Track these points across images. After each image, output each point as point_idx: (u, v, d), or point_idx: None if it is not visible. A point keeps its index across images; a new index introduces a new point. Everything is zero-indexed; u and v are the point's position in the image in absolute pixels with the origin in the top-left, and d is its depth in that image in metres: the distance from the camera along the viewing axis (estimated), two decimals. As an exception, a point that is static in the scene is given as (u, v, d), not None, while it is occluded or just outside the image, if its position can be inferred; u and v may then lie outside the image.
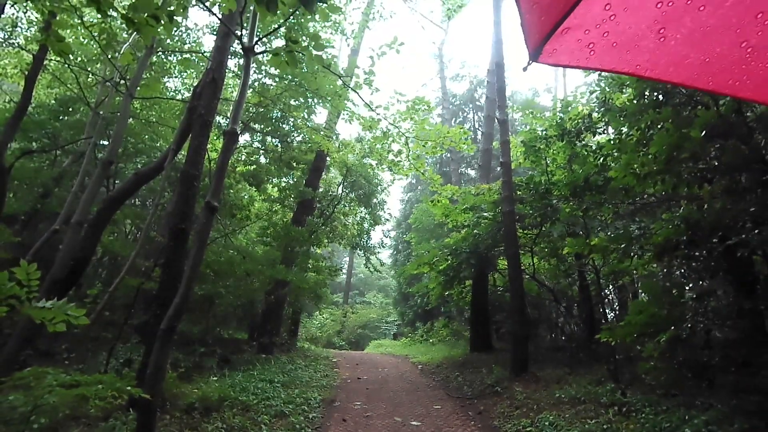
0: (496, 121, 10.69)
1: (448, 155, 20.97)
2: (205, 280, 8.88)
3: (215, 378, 6.81)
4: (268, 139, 13.70)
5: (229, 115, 12.98)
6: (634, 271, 7.37)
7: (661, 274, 5.21)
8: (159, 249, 9.94)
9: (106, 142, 12.33)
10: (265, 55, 10.35)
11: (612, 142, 6.20)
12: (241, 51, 7.53)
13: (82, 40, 11.75)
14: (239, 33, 6.45)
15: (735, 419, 3.47)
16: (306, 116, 12.39)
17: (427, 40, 54.39)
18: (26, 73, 10.17)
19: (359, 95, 7.18)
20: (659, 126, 4.58)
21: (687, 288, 4.72)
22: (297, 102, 11.96)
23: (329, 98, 9.17)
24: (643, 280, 7.87)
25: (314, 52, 4.30)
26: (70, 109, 13.45)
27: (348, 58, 12.95)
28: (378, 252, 19.29)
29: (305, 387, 7.40)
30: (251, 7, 4.75)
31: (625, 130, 5.66)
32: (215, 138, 12.45)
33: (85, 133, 11.52)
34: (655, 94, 4.87)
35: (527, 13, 0.58)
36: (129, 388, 3.55)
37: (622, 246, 4.20)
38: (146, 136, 13.58)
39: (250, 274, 10.33)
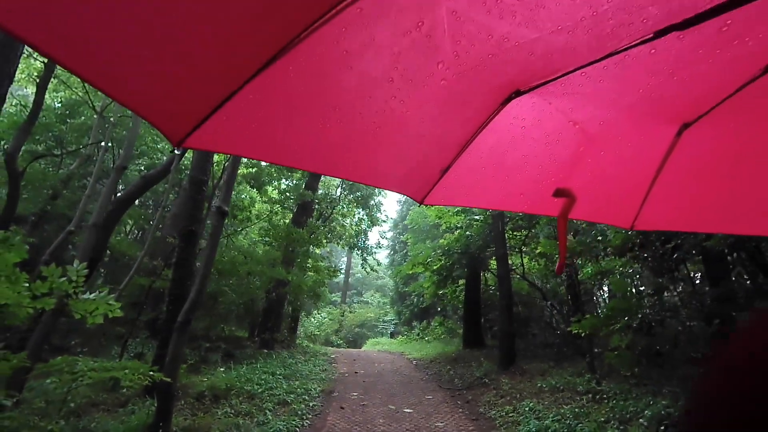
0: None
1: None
2: (210, 279, 9.33)
3: (222, 369, 7.26)
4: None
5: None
6: (622, 269, 7.89)
7: (618, 273, 5.69)
8: (164, 249, 10.34)
9: (106, 144, 12.70)
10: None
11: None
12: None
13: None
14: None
15: (681, 400, 3.96)
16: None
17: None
18: (36, 79, 10.58)
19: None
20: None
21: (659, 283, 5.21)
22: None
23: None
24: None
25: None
26: (73, 112, 13.82)
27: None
28: (375, 252, 19.77)
29: (305, 379, 7.85)
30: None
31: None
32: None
33: (91, 136, 11.92)
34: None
35: (409, 195, 1.07)
36: (152, 372, 4.00)
37: (592, 247, 4.68)
38: (149, 138, 14.03)
39: (251, 274, 10.79)
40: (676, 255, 3.59)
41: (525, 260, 10.64)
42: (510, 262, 9.98)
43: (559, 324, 10.53)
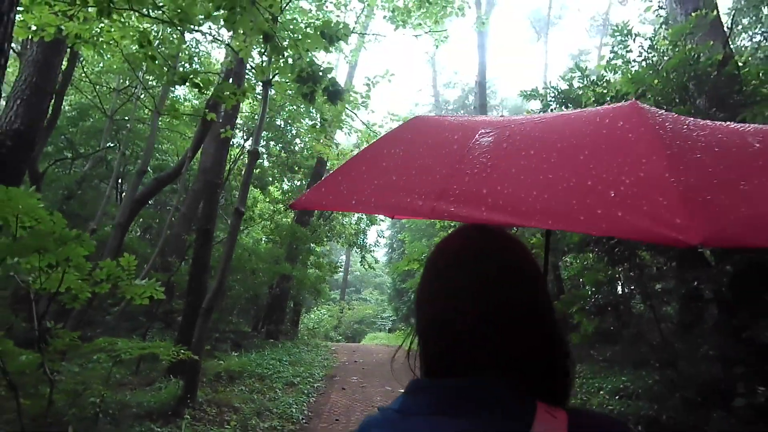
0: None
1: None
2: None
3: (236, 354, 7.96)
4: (272, 144, 14.84)
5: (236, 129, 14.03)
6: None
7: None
8: (175, 246, 10.97)
9: (110, 144, 13.38)
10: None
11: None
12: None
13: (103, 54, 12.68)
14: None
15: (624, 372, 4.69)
16: (309, 124, 13.48)
17: (421, 50, 55.81)
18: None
19: (357, 116, 8.32)
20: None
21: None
22: (298, 109, 13.02)
23: (329, 115, 10.13)
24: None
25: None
26: (83, 115, 14.43)
27: (346, 75, 14.14)
28: (373, 251, 20.49)
29: (309, 366, 8.55)
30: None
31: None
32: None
33: (102, 140, 12.53)
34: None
35: (377, 211, 1.73)
36: (182, 351, 4.67)
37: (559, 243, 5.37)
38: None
39: (255, 270, 11.48)
40: (617, 249, 4.27)
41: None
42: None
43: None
